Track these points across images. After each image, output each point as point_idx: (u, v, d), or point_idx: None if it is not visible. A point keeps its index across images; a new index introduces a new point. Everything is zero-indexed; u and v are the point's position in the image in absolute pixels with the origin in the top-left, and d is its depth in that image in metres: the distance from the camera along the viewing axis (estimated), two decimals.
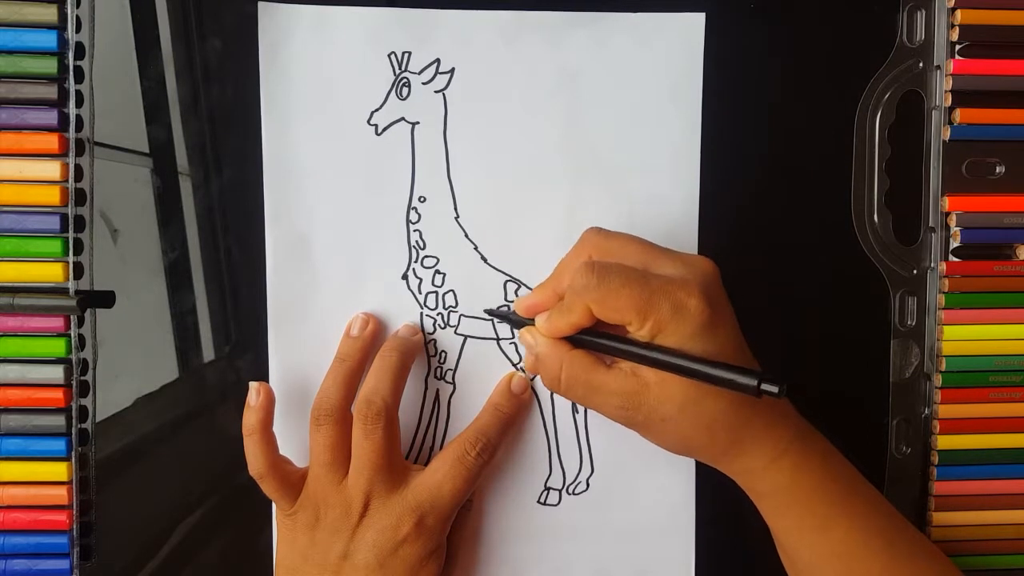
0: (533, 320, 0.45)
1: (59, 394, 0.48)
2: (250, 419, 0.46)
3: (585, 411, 0.50)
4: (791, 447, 0.43)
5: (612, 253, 0.43)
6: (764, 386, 0.37)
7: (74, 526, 0.48)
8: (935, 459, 0.50)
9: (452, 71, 0.48)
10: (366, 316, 0.48)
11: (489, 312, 0.49)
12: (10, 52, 0.46)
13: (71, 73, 0.47)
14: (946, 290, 0.50)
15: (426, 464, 0.47)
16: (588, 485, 0.50)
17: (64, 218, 0.47)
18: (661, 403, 0.41)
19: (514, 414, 0.49)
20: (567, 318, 0.43)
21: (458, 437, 0.47)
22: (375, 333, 0.48)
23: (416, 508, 0.45)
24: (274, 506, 0.48)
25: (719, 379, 0.39)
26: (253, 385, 0.46)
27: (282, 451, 0.47)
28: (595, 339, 0.43)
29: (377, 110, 0.48)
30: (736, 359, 0.41)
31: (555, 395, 0.50)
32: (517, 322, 0.47)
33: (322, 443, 0.45)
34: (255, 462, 0.45)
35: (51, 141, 0.46)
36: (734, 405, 0.41)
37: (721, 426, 0.41)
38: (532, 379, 0.49)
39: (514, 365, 0.50)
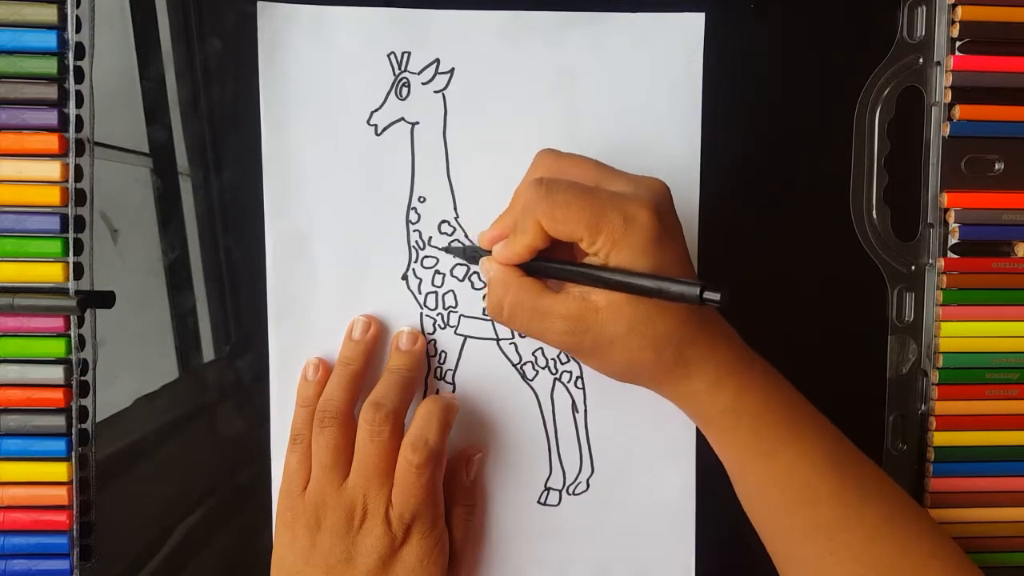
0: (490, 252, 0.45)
1: (59, 394, 0.47)
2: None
3: (585, 411, 0.50)
4: (735, 369, 0.42)
5: (564, 172, 0.43)
6: (706, 294, 0.37)
7: (74, 526, 0.48)
8: (931, 456, 0.51)
9: (452, 71, 0.48)
10: (367, 319, 0.48)
11: (446, 249, 0.49)
12: (10, 52, 0.46)
13: (71, 73, 0.47)
14: (944, 287, 0.50)
15: None
16: (588, 485, 0.50)
17: (64, 218, 0.47)
18: (610, 324, 0.41)
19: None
20: (520, 240, 0.42)
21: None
22: (377, 336, 0.48)
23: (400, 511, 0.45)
24: (274, 508, 0.48)
25: (669, 293, 0.38)
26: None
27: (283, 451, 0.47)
28: (546, 264, 0.43)
29: (377, 110, 0.48)
30: (684, 275, 0.41)
31: (555, 394, 0.50)
32: (474, 257, 0.47)
33: (324, 445, 0.45)
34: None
35: (51, 141, 0.46)
36: (681, 323, 0.41)
37: (667, 343, 0.41)
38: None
39: (514, 365, 0.50)
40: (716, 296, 0.37)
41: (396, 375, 0.47)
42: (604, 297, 0.41)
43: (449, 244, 0.49)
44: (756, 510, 0.45)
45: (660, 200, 0.41)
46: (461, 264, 0.49)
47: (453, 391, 0.50)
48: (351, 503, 0.44)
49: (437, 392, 0.50)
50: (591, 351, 0.42)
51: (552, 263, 0.43)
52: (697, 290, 0.37)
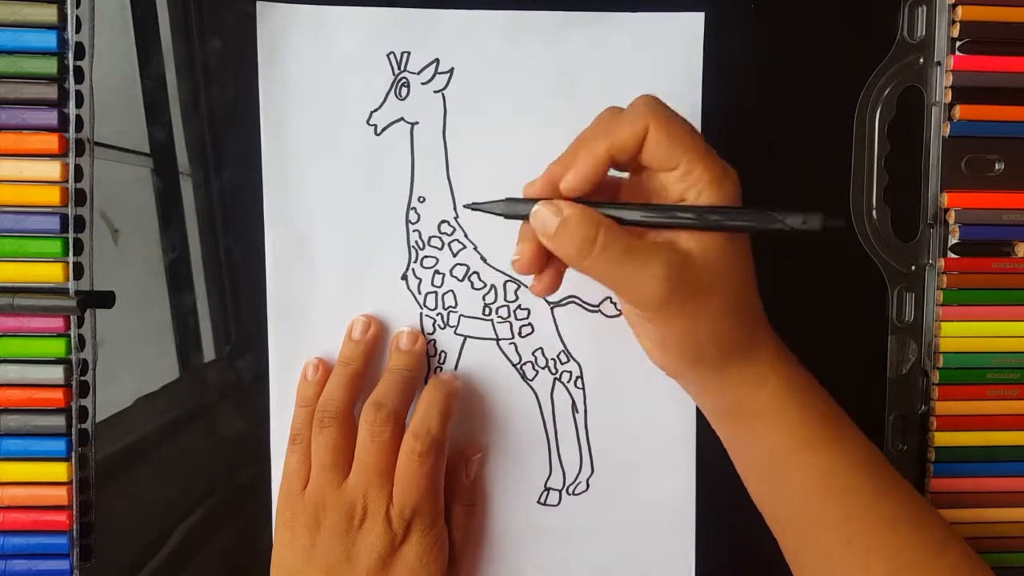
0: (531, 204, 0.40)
1: (59, 394, 0.48)
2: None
3: (585, 411, 0.50)
4: (784, 357, 0.42)
5: (675, 128, 0.40)
6: (828, 221, 0.36)
7: (74, 526, 0.48)
8: (932, 456, 0.51)
9: (451, 71, 0.48)
10: (367, 319, 0.48)
11: (477, 207, 0.43)
12: (10, 52, 0.46)
13: (71, 73, 0.47)
14: (944, 287, 0.50)
15: None
16: (588, 485, 0.50)
17: (64, 218, 0.47)
18: (704, 273, 0.38)
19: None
20: (619, 131, 0.38)
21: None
22: (377, 336, 0.48)
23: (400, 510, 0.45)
24: (274, 508, 0.48)
25: (789, 224, 0.37)
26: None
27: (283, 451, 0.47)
28: (624, 205, 0.39)
29: (376, 110, 0.48)
30: (750, 265, 0.41)
31: (555, 394, 0.50)
32: (513, 211, 0.41)
33: (324, 444, 0.45)
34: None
35: (51, 141, 0.46)
36: (758, 298, 0.41)
37: (748, 315, 0.40)
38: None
39: (514, 365, 0.50)
40: (840, 221, 0.36)
41: (397, 375, 0.47)
42: (697, 243, 0.38)
43: (462, 210, 0.45)
44: (782, 502, 0.44)
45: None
46: (461, 264, 0.49)
47: None
48: (351, 503, 0.44)
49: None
50: (683, 303, 0.38)
51: (636, 208, 0.39)
52: (818, 219, 0.36)
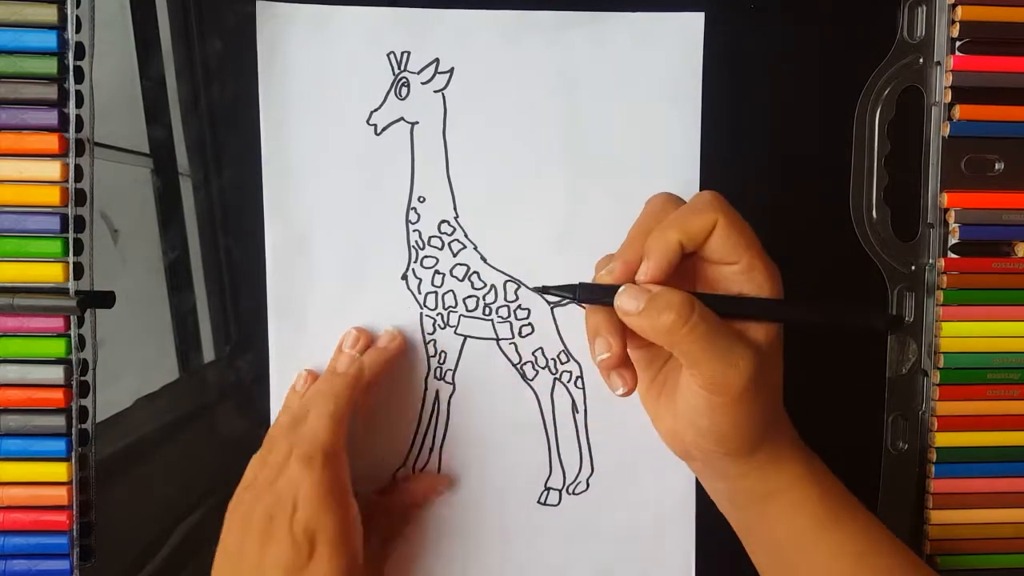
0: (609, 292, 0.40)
1: (59, 394, 0.47)
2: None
3: (585, 411, 0.50)
4: (797, 441, 0.43)
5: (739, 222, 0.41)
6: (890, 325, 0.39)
7: (74, 526, 0.48)
8: (932, 456, 0.51)
9: (451, 71, 0.48)
10: (358, 332, 0.48)
11: (556, 292, 0.42)
12: (10, 52, 0.46)
13: (71, 73, 0.46)
14: (944, 287, 0.50)
15: (425, 467, 0.48)
16: (588, 485, 0.50)
17: (64, 218, 0.47)
18: (768, 361, 0.40)
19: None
20: (691, 224, 0.39)
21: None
22: (366, 349, 0.48)
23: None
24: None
25: (861, 321, 0.40)
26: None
27: None
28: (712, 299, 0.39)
29: (376, 110, 0.48)
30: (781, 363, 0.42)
31: (555, 394, 0.50)
32: (590, 297, 0.41)
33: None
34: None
35: (51, 141, 0.46)
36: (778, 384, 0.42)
37: (776, 396, 0.42)
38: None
39: (514, 365, 0.50)
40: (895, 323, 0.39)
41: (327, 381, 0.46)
42: (764, 336, 0.39)
43: (544, 287, 0.43)
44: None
45: None
46: (461, 264, 0.49)
47: (453, 391, 0.50)
48: (268, 509, 0.41)
49: (437, 392, 0.50)
50: (754, 392, 0.39)
51: (715, 297, 0.40)
52: (884, 322, 0.39)
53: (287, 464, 0.42)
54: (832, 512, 0.42)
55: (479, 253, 0.49)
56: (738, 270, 0.40)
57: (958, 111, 0.49)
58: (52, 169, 0.47)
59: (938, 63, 0.49)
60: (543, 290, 0.42)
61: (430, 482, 0.50)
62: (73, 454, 0.48)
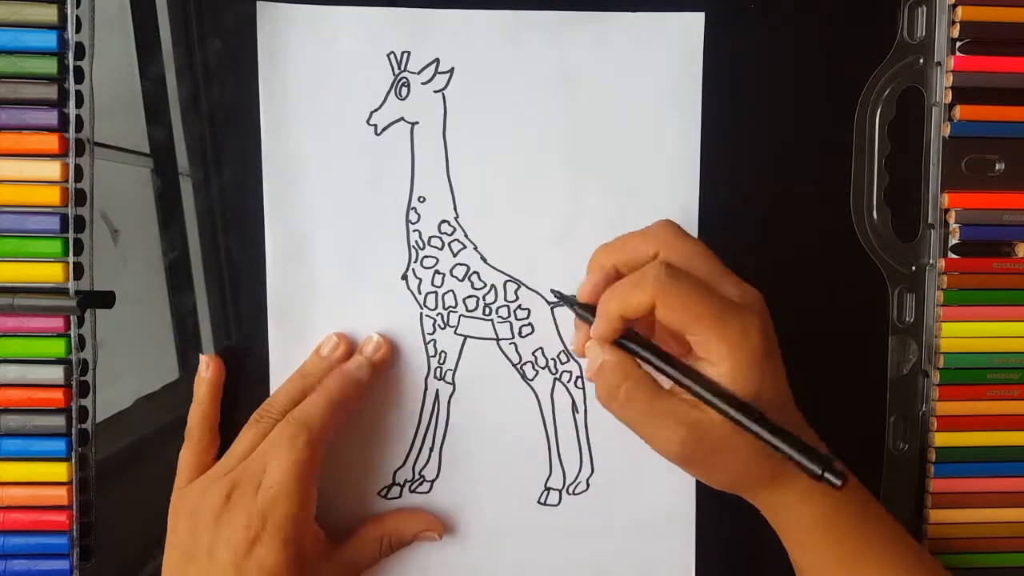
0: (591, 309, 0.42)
1: (59, 394, 0.47)
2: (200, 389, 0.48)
3: (585, 411, 0.50)
4: (809, 487, 0.42)
5: (683, 254, 0.41)
6: (827, 475, 0.36)
7: (74, 527, 0.48)
8: (932, 456, 0.51)
9: (451, 71, 0.48)
10: (338, 338, 0.48)
11: (558, 296, 0.46)
12: (10, 52, 0.46)
13: (71, 73, 0.46)
14: (945, 287, 0.50)
15: (425, 467, 0.48)
16: (588, 485, 0.50)
17: (64, 218, 0.47)
18: (720, 438, 0.39)
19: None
20: (632, 297, 0.39)
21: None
22: (344, 357, 0.48)
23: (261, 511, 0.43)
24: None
25: (791, 457, 0.37)
26: (203, 357, 0.48)
27: None
28: (668, 363, 0.40)
29: (376, 110, 0.48)
30: (781, 396, 0.41)
31: (555, 394, 0.50)
32: (582, 314, 0.43)
33: (251, 437, 0.45)
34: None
35: (51, 141, 0.46)
36: (787, 405, 0.42)
37: (768, 457, 0.40)
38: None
39: (514, 365, 0.50)
40: (838, 482, 0.36)
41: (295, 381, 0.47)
42: (714, 413, 0.39)
43: (556, 294, 0.46)
44: None
45: (766, 312, 0.41)
46: (461, 264, 0.49)
47: (453, 391, 0.50)
48: (231, 482, 0.43)
49: (437, 392, 0.50)
50: (699, 460, 0.41)
51: (672, 366, 0.40)
52: (820, 469, 0.37)
53: (261, 453, 0.44)
54: (850, 555, 0.42)
55: (479, 253, 0.49)
56: (696, 342, 0.39)
57: (958, 111, 0.49)
58: (52, 169, 0.47)
59: (938, 63, 0.49)
60: (560, 297, 0.45)
61: (423, 523, 0.49)
62: (73, 454, 0.48)
